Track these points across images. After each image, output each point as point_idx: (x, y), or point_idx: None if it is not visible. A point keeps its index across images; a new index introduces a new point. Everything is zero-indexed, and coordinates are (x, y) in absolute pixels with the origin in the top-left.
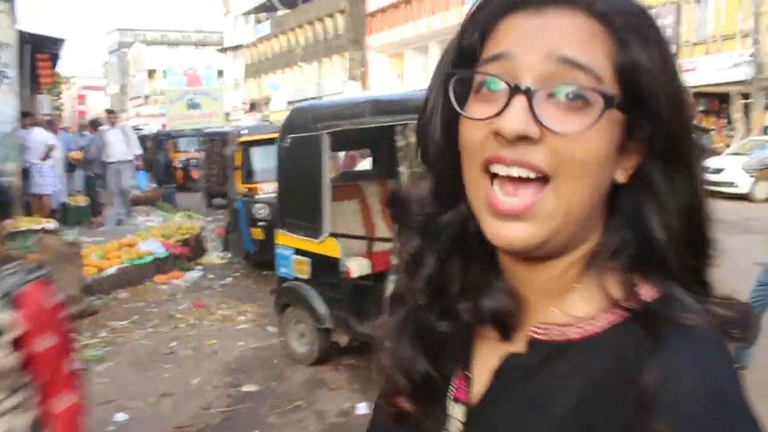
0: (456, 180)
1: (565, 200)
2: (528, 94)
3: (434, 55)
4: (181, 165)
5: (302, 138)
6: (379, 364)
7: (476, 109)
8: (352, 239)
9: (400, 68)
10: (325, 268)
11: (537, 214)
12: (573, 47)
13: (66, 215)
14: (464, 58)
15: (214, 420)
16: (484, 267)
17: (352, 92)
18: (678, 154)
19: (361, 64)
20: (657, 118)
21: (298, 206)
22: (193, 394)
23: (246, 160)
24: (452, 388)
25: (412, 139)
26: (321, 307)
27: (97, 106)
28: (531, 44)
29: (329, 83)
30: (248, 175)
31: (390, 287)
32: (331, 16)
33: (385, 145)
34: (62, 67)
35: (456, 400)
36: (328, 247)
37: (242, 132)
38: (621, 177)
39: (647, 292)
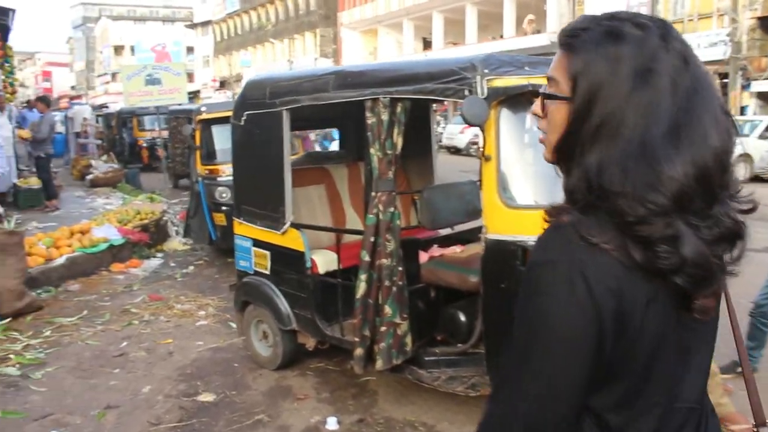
0: None
1: (551, 141)
2: (538, 94)
3: (408, 32)
4: (146, 144)
5: (258, 115)
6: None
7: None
8: (319, 230)
9: (373, 45)
10: (287, 262)
11: (545, 145)
12: (551, 70)
13: (18, 199)
14: None
15: None
16: None
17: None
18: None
19: (332, 41)
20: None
21: (256, 193)
22: (142, 406)
23: (206, 140)
24: None
25: (384, 115)
26: (284, 306)
27: (63, 83)
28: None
29: (301, 60)
30: (208, 156)
31: (362, 287)
32: None
33: (355, 122)
34: (21, 42)
35: None
36: (291, 240)
37: (201, 109)
38: None
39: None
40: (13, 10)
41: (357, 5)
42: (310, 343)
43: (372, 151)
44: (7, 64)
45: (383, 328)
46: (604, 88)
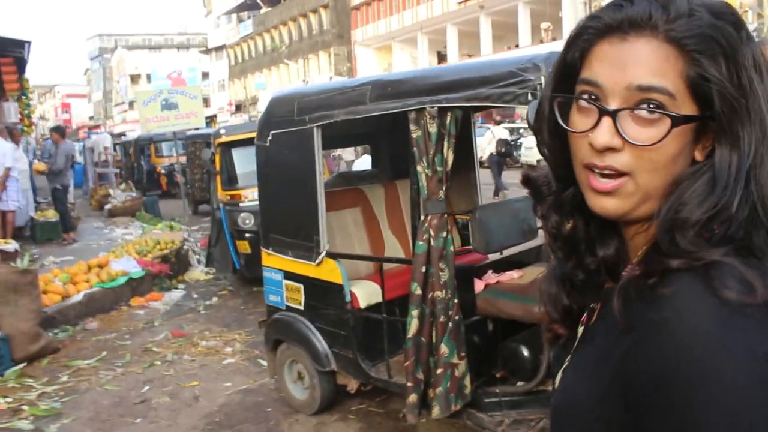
0: (568, 165)
1: (643, 186)
2: (613, 115)
3: (422, 46)
4: (164, 171)
5: (286, 134)
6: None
7: (576, 120)
8: (358, 260)
9: (388, 61)
10: (324, 296)
11: (621, 193)
12: (648, 75)
13: (35, 232)
14: (566, 71)
15: None
16: (602, 227)
17: None
18: (740, 140)
19: (347, 60)
20: (721, 115)
21: (286, 220)
22: None
23: (227, 164)
24: (584, 317)
25: (432, 128)
26: (321, 345)
27: (81, 114)
28: (617, 75)
29: (316, 80)
30: (229, 180)
31: (414, 324)
32: (314, 11)
33: (390, 137)
34: (41, 76)
35: (582, 323)
36: (327, 271)
37: (221, 132)
38: (699, 156)
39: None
40: (29, 42)
41: (370, 22)
42: (352, 384)
43: (419, 168)
44: (24, 97)
45: (439, 370)
46: (751, 96)
